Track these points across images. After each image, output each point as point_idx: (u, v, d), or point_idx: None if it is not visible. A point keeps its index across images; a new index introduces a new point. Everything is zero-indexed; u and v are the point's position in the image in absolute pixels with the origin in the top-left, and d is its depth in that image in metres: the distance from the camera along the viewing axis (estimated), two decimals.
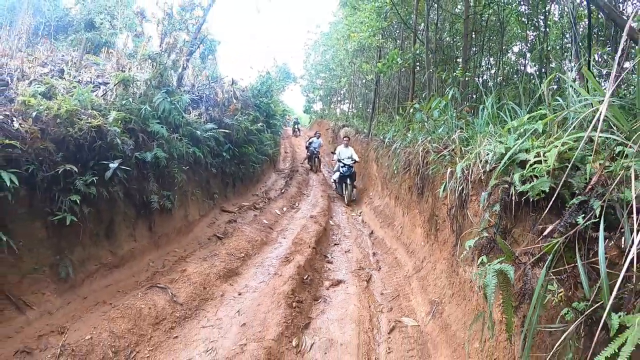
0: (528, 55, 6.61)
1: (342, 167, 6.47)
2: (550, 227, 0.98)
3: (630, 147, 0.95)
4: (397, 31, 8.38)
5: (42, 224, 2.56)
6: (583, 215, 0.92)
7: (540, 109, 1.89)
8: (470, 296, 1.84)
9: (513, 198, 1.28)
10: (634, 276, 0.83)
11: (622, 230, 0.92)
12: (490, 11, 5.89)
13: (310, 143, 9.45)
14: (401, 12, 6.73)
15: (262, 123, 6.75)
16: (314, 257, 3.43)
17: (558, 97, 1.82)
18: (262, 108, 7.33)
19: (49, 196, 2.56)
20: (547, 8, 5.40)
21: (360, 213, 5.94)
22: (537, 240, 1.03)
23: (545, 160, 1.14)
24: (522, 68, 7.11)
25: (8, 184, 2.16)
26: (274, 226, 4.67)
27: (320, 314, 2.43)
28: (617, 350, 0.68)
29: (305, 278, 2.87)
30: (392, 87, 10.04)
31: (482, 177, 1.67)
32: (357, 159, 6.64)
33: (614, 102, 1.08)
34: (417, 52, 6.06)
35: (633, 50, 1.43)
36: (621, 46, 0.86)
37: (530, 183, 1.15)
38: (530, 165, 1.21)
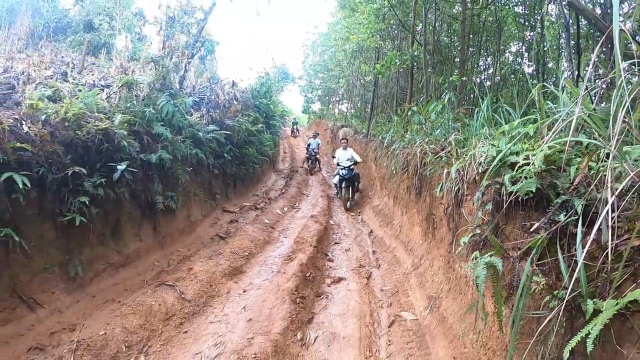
0: (526, 55, 6.71)
1: (341, 169, 6.18)
2: (536, 225, 1.08)
3: (608, 150, 1.05)
4: (395, 32, 8.47)
5: (51, 225, 2.63)
6: (565, 213, 1.02)
7: (533, 112, 2.00)
8: (465, 290, 1.95)
9: (504, 197, 1.38)
10: (609, 267, 0.93)
11: (601, 227, 1.02)
12: (488, 12, 5.99)
13: (309, 144, 9.45)
14: (399, 14, 6.82)
15: (262, 124, 6.83)
16: (316, 256, 3.52)
17: (549, 102, 1.92)
18: (262, 109, 7.41)
19: (59, 197, 2.64)
20: (543, 9, 5.51)
21: (359, 212, 6.04)
22: (524, 236, 1.13)
23: (533, 163, 1.24)
24: (518, 67, 7.22)
25: (20, 186, 2.24)
26: (276, 226, 4.76)
27: (323, 309, 2.52)
28: (590, 332, 0.78)
29: (307, 275, 2.97)
30: (390, 87, 10.13)
31: (477, 178, 1.77)
32: (358, 160, 6.31)
33: (594, 109, 1.18)
34: (415, 53, 6.16)
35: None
36: (594, 55, 0.95)
37: (519, 184, 1.25)
38: (520, 167, 1.31)
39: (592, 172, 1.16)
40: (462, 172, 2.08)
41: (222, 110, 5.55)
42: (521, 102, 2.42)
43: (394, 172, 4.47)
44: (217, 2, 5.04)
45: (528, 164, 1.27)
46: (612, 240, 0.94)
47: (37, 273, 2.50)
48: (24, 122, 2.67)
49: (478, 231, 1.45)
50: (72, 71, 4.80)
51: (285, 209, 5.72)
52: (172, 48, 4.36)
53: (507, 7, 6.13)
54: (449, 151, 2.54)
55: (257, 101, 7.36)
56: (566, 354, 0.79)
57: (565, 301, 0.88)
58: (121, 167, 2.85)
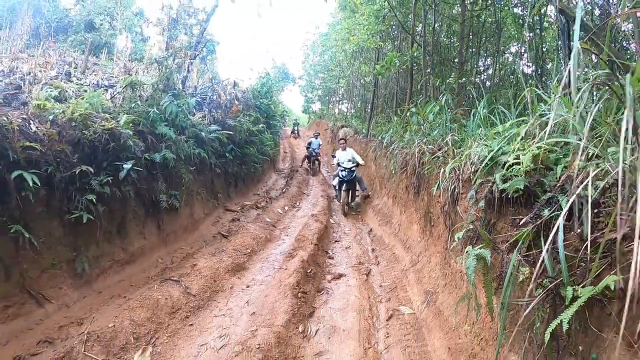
0: (525, 55, 6.77)
1: (341, 171, 5.75)
2: (524, 219, 1.16)
3: (590, 150, 1.13)
4: (395, 32, 8.55)
5: (59, 222, 2.70)
6: (550, 208, 1.10)
7: (527, 113, 2.08)
8: (460, 285, 2.03)
9: (496, 195, 1.46)
10: (588, 258, 1.01)
11: (582, 221, 1.10)
12: (487, 12, 6.06)
13: (309, 144, 9.41)
14: (399, 15, 6.89)
15: (263, 124, 6.90)
16: (316, 253, 3.60)
17: (542, 104, 2.00)
18: (263, 109, 7.48)
19: (66, 195, 2.71)
20: (542, 10, 5.57)
21: (359, 212, 6.12)
22: (513, 231, 1.21)
23: (522, 162, 1.32)
24: (516, 68, 7.29)
25: (30, 184, 2.31)
26: (277, 224, 4.84)
27: (324, 304, 2.61)
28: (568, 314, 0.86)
29: (308, 272, 3.05)
30: (390, 88, 10.20)
31: (471, 177, 1.85)
32: (360, 162, 5.83)
33: (577, 111, 1.26)
34: (415, 54, 6.24)
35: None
36: (571, 63, 1.02)
37: (509, 182, 1.33)
38: (510, 166, 1.39)
39: (578, 171, 1.24)
40: (457, 172, 2.17)
41: (223, 110, 5.62)
42: (517, 103, 2.50)
43: (393, 172, 4.55)
44: (218, 4, 5.12)
45: (518, 164, 1.36)
46: (591, 233, 1.02)
47: (46, 269, 2.57)
48: (31, 122, 2.74)
49: (471, 227, 1.53)
50: (74, 71, 4.87)
51: (286, 208, 5.80)
52: (175, 49, 4.43)
53: (506, 7, 6.20)
54: (446, 151, 2.62)
55: (258, 101, 7.43)
56: (547, 337, 0.86)
57: (547, 289, 0.96)
58: (127, 166, 2.92)
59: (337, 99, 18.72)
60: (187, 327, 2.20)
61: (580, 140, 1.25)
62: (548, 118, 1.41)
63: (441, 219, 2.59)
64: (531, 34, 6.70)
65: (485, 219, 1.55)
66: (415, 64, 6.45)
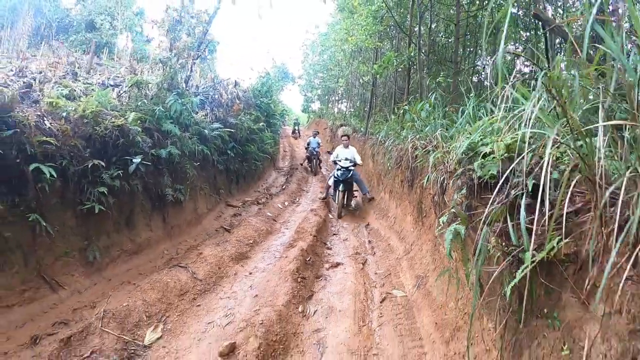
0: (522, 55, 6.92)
1: (337, 170, 5.44)
2: (492, 198, 1.34)
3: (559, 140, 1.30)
4: (393, 32, 8.71)
5: (72, 213, 2.87)
6: (516, 189, 1.27)
7: (509, 109, 2.25)
8: (448, 267, 2.20)
9: (475, 182, 1.63)
10: (547, 229, 1.19)
11: (544, 199, 1.28)
12: (485, 13, 6.22)
13: (308, 143, 9.46)
14: (396, 15, 7.06)
15: (263, 122, 7.06)
16: (315, 244, 3.78)
17: (524, 101, 2.17)
18: (263, 108, 7.64)
19: (79, 188, 2.87)
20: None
21: (356, 206, 6.29)
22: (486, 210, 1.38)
23: (497, 151, 1.49)
24: (515, 67, 7.44)
25: (47, 176, 2.48)
26: (277, 218, 5.01)
27: (322, 288, 2.78)
28: (524, 271, 1.03)
29: (307, 260, 3.22)
30: (388, 87, 10.38)
31: (456, 167, 2.02)
32: (359, 161, 5.50)
33: (544, 106, 1.43)
34: (412, 54, 6.40)
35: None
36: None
37: (485, 169, 1.50)
38: (487, 155, 1.57)
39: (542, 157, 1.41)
40: (446, 164, 2.34)
41: (225, 109, 5.79)
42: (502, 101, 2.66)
43: (389, 167, 4.72)
44: (220, 6, 5.28)
45: (493, 153, 1.53)
46: (549, 209, 1.19)
47: (59, 257, 2.73)
48: (45, 118, 2.91)
49: (454, 211, 1.70)
50: (79, 71, 5.03)
51: (286, 203, 5.97)
52: (179, 50, 4.60)
53: (503, 7, 6.35)
54: (435, 145, 2.80)
55: (259, 100, 7.59)
56: (508, 291, 1.03)
57: (511, 255, 1.13)
58: (137, 160, 3.08)
59: (336, 98, 18.89)
60: (195, 308, 2.38)
61: (543, 131, 1.42)
62: (521, 112, 1.59)
63: (432, 209, 2.76)
64: (527, 34, 6.87)
65: (466, 204, 1.72)
66: (412, 64, 6.62)
